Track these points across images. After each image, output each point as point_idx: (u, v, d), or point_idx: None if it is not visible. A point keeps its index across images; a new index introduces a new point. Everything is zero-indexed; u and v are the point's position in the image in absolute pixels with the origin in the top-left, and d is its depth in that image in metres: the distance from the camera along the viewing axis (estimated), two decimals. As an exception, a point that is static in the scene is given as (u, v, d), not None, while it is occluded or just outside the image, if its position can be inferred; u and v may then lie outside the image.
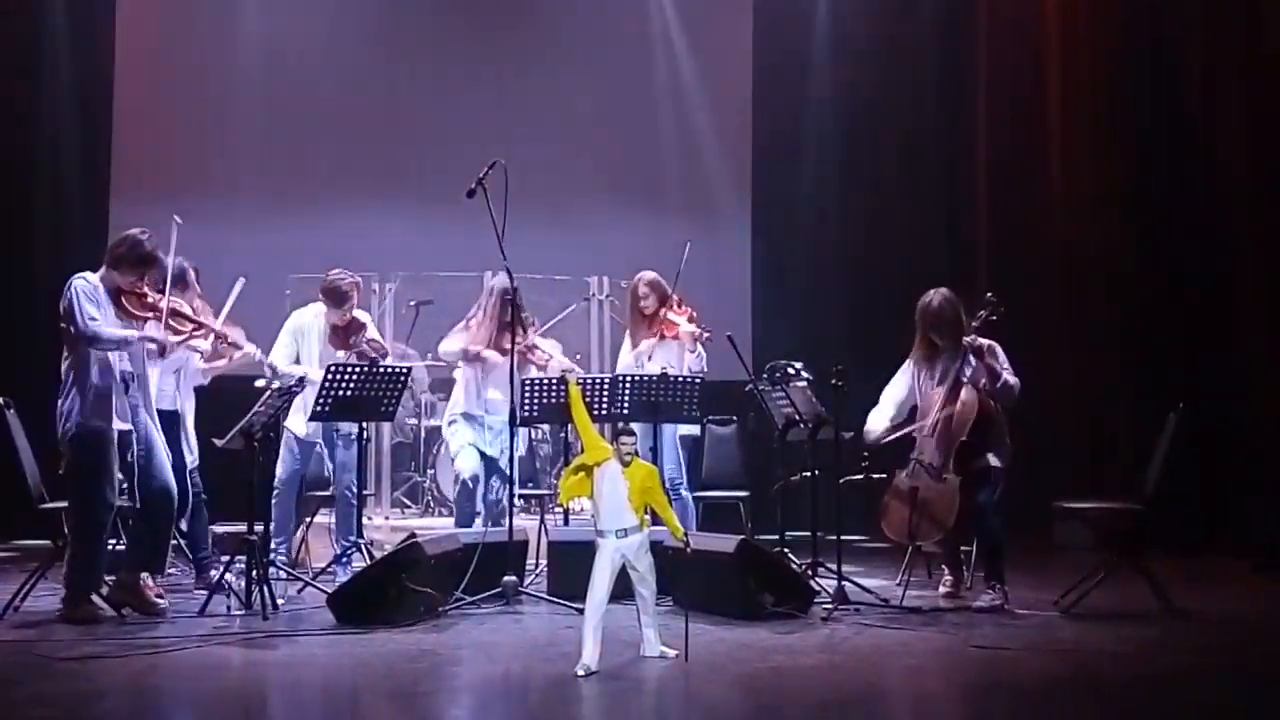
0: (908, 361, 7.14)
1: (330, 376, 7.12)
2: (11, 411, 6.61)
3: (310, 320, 7.72)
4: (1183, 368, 9.35)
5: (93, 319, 6.16)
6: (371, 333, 7.80)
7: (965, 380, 6.83)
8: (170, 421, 7.04)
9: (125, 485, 6.35)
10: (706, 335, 7.81)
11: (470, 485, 7.73)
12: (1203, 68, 9.72)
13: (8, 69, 10.41)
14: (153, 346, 6.47)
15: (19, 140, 10.42)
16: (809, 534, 7.05)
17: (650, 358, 7.95)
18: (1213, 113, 9.68)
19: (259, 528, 6.58)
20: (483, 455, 7.79)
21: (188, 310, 6.75)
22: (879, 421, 7.04)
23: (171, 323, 6.55)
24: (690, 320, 7.91)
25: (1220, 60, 9.63)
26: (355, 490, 7.57)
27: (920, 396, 7.04)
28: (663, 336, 7.95)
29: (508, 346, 7.33)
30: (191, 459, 7.29)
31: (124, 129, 10.75)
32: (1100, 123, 10.21)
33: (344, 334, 7.68)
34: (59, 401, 6.26)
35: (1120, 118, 10.09)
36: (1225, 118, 9.59)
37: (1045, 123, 10.59)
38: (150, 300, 6.45)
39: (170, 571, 7.41)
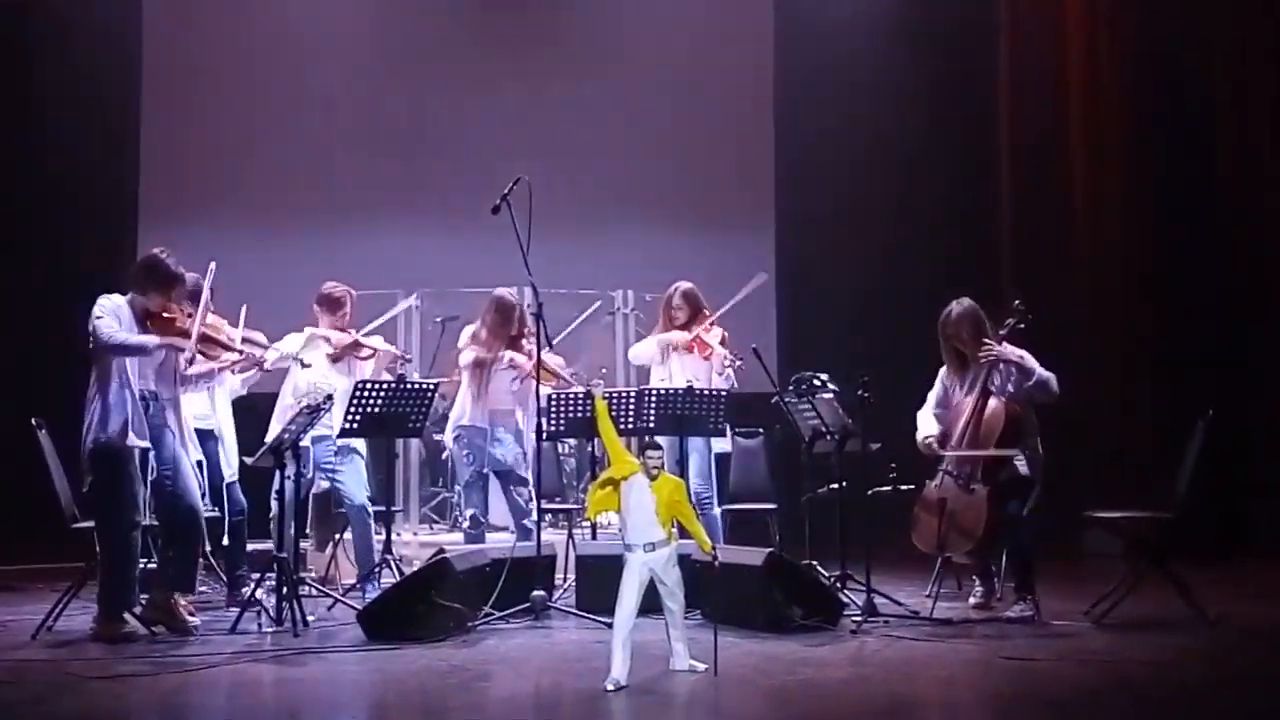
0: (936, 385, 7.12)
1: (358, 393, 7.18)
2: (43, 432, 6.67)
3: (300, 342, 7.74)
4: (1208, 373, 9.30)
5: (110, 327, 6.20)
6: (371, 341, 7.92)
7: (993, 389, 6.80)
8: (205, 440, 7.09)
9: (149, 504, 6.40)
10: (738, 362, 7.80)
11: (482, 520, 7.87)
12: (1227, 70, 9.68)
13: (34, 92, 10.52)
14: (183, 355, 6.44)
15: (46, 162, 10.52)
16: (837, 547, 7.04)
17: (675, 348, 7.98)
18: (1237, 118, 9.63)
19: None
20: (495, 472, 7.87)
21: (221, 337, 6.77)
22: (928, 424, 6.99)
23: (202, 348, 6.58)
24: (722, 343, 7.91)
25: (1245, 60, 9.58)
26: (362, 503, 7.62)
27: (950, 406, 7.01)
28: (690, 349, 7.96)
29: (519, 358, 7.49)
30: (230, 472, 7.32)
31: (150, 149, 10.85)
32: (1124, 127, 10.16)
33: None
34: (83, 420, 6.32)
35: (1144, 122, 10.04)
36: (1250, 121, 9.53)
37: (1068, 128, 10.56)
38: (179, 325, 6.47)
39: (201, 590, 7.45)
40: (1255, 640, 6.27)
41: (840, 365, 8.43)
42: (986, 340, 6.82)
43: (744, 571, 6.36)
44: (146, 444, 6.30)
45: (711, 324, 8.03)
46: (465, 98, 11.23)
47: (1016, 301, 6.95)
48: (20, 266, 10.24)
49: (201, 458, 6.90)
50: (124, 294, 6.42)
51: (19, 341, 9.91)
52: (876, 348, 10.42)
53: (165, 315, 6.43)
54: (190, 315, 6.55)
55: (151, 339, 6.32)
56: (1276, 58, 9.37)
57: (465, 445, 7.88)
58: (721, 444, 8.06)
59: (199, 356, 6.62)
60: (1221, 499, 8.79)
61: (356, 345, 7.81)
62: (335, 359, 7.78)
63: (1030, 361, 6.78)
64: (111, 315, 6.25)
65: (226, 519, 7.18)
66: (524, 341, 7.86)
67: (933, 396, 7.11)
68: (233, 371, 7.28)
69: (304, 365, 7.50)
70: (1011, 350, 6.79)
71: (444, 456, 9.31)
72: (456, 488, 9.50)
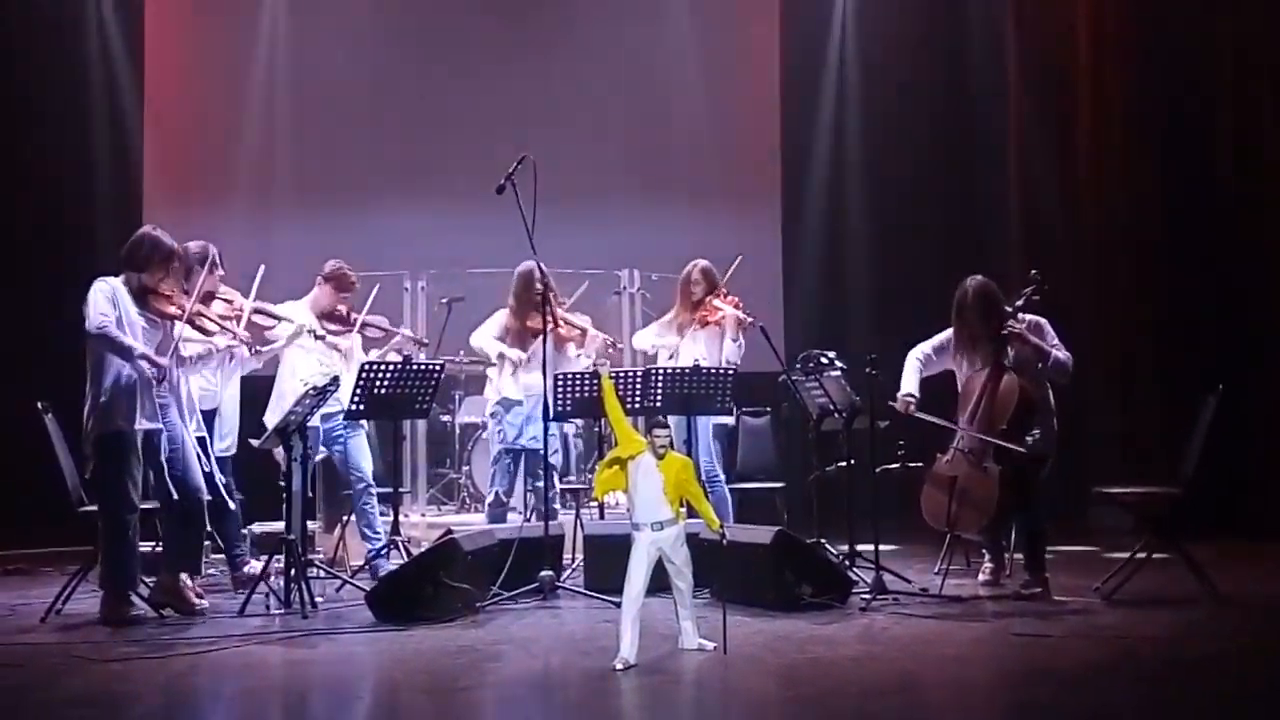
0: (948, 332, 7.02)
1: (364, 375, 7.15)
2: (50, 416, 6.66)
3: (304, 313, 7.71)
4: (1217, 349, 9.27)
5: (103, 314, 6.16)
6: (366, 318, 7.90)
7: (1008, 365, 6.75)
8: (208, 420, 7.06)
9: (154, 486, 6.38)
10: (752, 320, 7.74)
11: (504, 499, 7.89)
12: (1234, 45, 9.62)
13: (39, 80, 10.51)
14: (149, 369, 6.24)
15: (51, 147, 10.53)
16: (845, 524, 7.02)
17: (673, 356, 7.95)
18: (1244, 89, 9.57)
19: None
20: (521, 450, 7.86)
21: (214, 316, 6.75)
22: (910, 381, 6.90)
23: (198, 323, 6.56)
24: (736, 307, 7.85)
25: (1252, 35, 9.52)
26: (367, 476, 7.62)
27: (961, 383, 6.96)
28: (704, 323, 7.92)
29: (537, 326, 7.41)
30: (223, 447, 7.27)
31: (154, 132, 10.85)
32: (1131, 101, 10.12)
33: (341, 320, 7.76)
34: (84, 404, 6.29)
35: (1150, 96, 10.00)
36: (1257, 93, 9.48)
37: (1076, 100, 10.51)
38: (176, 302, 6.44)
39: (209, 572, 7.45)
40: (1263, 616, 6.25)
41: (847, 343, 8.41)
42: (1007, 317, 6.77)
43: (753, 550, 6.35)
44: (156, 425, 6.29)
45: (726, 295, 7.97)
46: (470, 79, 11.18)
47: (1033, 271, 6.89)
48: (26, 251, 10.24)
49: (204, 434, 6.88)
50: (119, 274, 6.39)
51: (26, 326, 9.90)
52: (884, 326, 10.39)
53: (163, 293, 6.39)
54: (187, 293, 6.53)
55: (137, 347, 6.23)
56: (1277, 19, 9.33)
57: (501, 419, 7.93)
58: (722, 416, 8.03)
59: (197, 333, 6.61)
60: (1227, 476, 8.76)
61: (362, 328, 7.79)
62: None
63: (1049, 337, 6.74)
64: (107, 301, 6.20)
65: (213, 495, 7.11)
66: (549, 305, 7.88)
67: (928, 346, 7.02)
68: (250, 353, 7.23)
69: (317, 337, 7.50)
70: (1033, 320, 6.76)
71: (474, 445, 9.35)
72: (465, 467, 9.55)
